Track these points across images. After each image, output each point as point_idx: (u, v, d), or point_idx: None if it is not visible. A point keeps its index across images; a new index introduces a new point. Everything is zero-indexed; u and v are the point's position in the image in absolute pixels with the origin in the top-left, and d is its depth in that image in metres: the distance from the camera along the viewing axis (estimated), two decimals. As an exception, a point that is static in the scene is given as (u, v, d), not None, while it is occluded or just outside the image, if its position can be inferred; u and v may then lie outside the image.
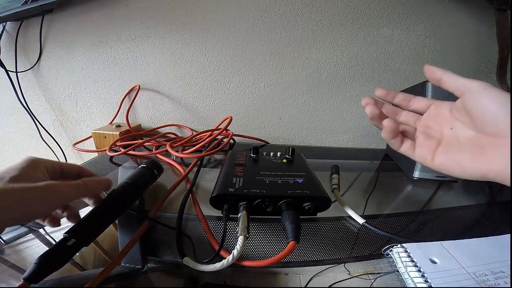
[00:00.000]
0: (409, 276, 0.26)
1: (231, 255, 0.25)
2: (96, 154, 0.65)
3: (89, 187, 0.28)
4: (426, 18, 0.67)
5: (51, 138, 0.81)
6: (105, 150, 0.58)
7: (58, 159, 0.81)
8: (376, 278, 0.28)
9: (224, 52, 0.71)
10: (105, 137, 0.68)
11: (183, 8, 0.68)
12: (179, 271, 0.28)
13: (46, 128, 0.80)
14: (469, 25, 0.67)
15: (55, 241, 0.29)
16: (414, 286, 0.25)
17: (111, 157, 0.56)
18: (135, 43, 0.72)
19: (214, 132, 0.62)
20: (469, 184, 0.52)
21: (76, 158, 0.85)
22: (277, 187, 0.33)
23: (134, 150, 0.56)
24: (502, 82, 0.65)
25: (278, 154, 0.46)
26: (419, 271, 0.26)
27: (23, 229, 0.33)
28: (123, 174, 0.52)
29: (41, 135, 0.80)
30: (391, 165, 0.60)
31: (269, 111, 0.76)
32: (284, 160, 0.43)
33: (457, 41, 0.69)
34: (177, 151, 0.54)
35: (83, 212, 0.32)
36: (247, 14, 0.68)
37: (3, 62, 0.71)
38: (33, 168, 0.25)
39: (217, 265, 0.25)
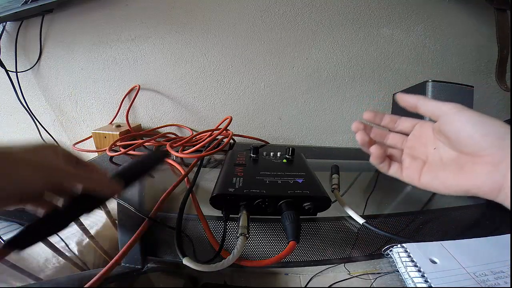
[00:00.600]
0: (409, 276, 0.26)
1: (231, 255, 0.25)
2: (96, 154, 0.65)
3: (94, 181, 0.24)
4: (426, 18, 0.67)
5: (51, 138, 0.81)
6: (105, 150, 0.58)
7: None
8: (376, 278, 0.28)
9: (224, 52, 0.71)
10: (105, 137, 0.68)
11: (183, 8, 0.68)
12: (179, 271, 0.28)
13: (46, 128, 0.80)
14: (469, 25, 0.67)
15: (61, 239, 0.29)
16: (414, 286, 0.25)
17: (111, 157, 0.56)
18: (135, 43, 0.72)
19: (214, 132, 0.62)
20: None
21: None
22: (277, 187, 0.33)
23: (134, 150, 0.56)
24: (502, 82, 0.65)
25: (278, 154, 0.46)
26: (419, 271, 0.26)
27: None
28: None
29: (41, 135, 0.80)
30: (391, 165, 0.60)
31: (269, 111, 0.76)
32: (284, 160, 0.43)
33: (457, 41, 0.69)
34: (177, 151, 0.54)
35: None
36: (247, 14, 0.68)
37: (3, 62, 0.71)
38: (50, 151, 0.22)
39: (217, 265, 0.25)
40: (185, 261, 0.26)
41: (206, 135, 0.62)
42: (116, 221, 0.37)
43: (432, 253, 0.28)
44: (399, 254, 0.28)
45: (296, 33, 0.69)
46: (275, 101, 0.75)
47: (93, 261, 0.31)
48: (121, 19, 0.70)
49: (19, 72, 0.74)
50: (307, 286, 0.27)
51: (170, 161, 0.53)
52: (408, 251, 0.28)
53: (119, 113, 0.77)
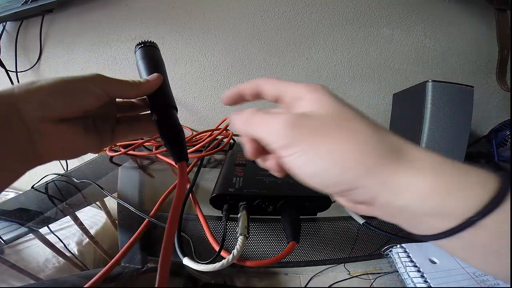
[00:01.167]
0: (409, 276, 0.26)
1: (231, 255, 0.25)
2: (96, 154, 0.65)
3: (140, 84, 0.23)
4: (426, 18, 0.67)
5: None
6: (105, 150, 0.58)
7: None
8: (376, 278, 0.28)
9: (224, 52, 0.71)
10: (105, 137, 0.68)
11: (183, 8, 0.68)
12: (179, 271, 0.28)
13: (46, 128, 0.80)
14: (469, 25, 0.67)
15: (60, 239, 0.29)
16: (413, 286, 0.25)
17: (111, 157, 0.56)
18: (135, 43, 0.71)
19: (214, 132, 0.62)
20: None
21: (76, 158, 0.85)
22: (277, 187, 0.33)
23: (134, 150, 0.56)
24: (502, 82, 0.65)
25: (278, 154, 0.46)
26: (418, 271, 0.26)
27: (23, 229, 0.33)
28: (123, 174, 0.52)
29: (41, 135, 0.80)
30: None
31: (269, 111, 0.76)
32: (284, 160, 0.43)
33: (457, 41, 0.69)
34: (177, 151, 0.54)
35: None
36: (247, 14, 0.68)
37: (3, 62, 0.71)
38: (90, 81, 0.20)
39: (217, 265, 0.25)
40: (185, 261, 0.26)
41: (206, 135, 0.62)
42: (116, 221, 0.38)
43: (432, 253, 0.28)
44: (398, 254, 0.28)
45: (296, 33, 0.69)
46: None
47: (93, 261, 0.31)
48: (121, 19, 0.70)
49: (19, 72, 0.74)
50: (307, 286, 0.27)
51: (170, 161, 0.53)
52: (408, 251, 0.28)
53: (119, 113, 0.77)
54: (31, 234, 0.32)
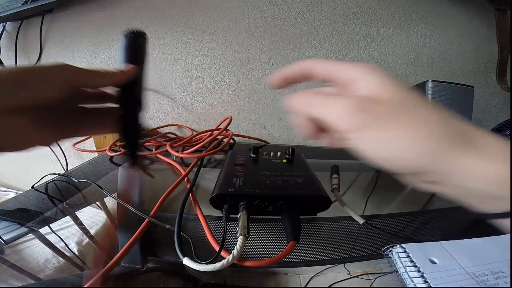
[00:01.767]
0: (409, 276, 0.26)
1: (231, 255, 0.25)
2: (96, 154, 0.65)
3: (113, 74, 0.23)
4: (426, 18, 0.67)
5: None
6: (105, 150, 0.58)
7: (58, 159, 0.81)
8: (376, 278, 0.28)
9: (224, 52, 0.71)
10: (105, 137, 0.68)
11: (183, 8, 0.68)
12: (179, 271, 0.28)
13: (46, 128, 0.80)
14: (469, 25, 0.67)
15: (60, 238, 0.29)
16: (413, 286, 0.25)
17: (111, 157, 0.56)
18: (135, 43, 0.72)
19: (214, 132, 0.62)
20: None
21: (76, 158, 0.85)
22: (277, 187, 0.33)
23: (134, 150, 0.56)
24: (502, 82, 0.65)
25: (278, 154, 0.46)
26: (418, 271, 0.26)
27: (23, 229, 0.33)
28: (122, 174, 0.52)
29: (41, 135, 0.80)
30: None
31: (269, 111, 0.76)
32: (284, 160, 0.43)
33: (457, 41, 0.69)
34: (177, 151, 0.54)
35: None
36: (247, 14, 0.68)
37: (3, 62, 0.71)
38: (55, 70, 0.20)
39: (217, 265, 0.25)
40: (185, 261, 0.26)
41: (206, 135, 0.62)
42: (116, 221, 0.38)
43: (432, 253, 0.28)
44: (398, 255, 0.28)
45: (296, 33, 0.69)
46: (275, 101, 0.75)
47: (93, 261, 0.31)
48: (121, 19, 0.70)
49: (19, 72, 0.74)
50: (307, 286, 0.27)
51: (170, 161, 0.53)
52: (408, 251, 0.28)
53: (119, 113, 0.77)
54: (31, 234, 0.32)
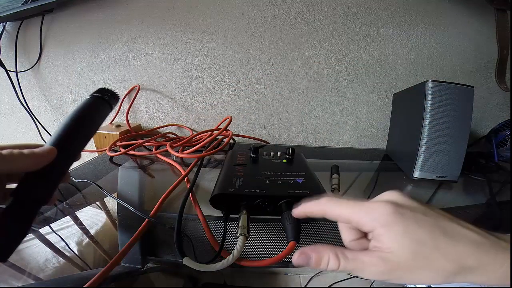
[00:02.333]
0: (409, 276, 0.26)
1: (231, 255, 0.25)
2: (96, 154, 0.65)
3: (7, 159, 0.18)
4: (426, 18, 0.67)
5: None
6: (105, 150, 0.58)
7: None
8: (376, 278, 0.28)
9: (224, 52, 0.71)
10: (105, 137, 0.68)
11: (183, 8, 0.68)
12: (179, 271, 0.28)
13: (46, 128, 0.79)
14: (469, 25, 0.67)
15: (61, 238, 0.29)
16: (413, 286, 0.25)
17: (111, 157, 0.56)
18: (135, 43, 0.72)
19: (214, 132, 0.62)
20: (469, 184, 0.52)
21: (76, 158, 0.85)
22: (277, 187, 0.33)
23: (134, 150, 0.56)
24: (501, 82, 0.65)
25: (278, 154, 0.46)
26: (419, 271, 0.26)
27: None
28: (122, 174, 0.52)
29: (41, 135, 0.80)
30: (391, 165, 0.60)
31: (269, 111, 0.76)
32: (284, 160, 0.43)
33: (457, 41, 0.69)
34: (177, 151, 0.54)
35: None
36: (247, 14, 0.68)
37: (3, 62, 0.71)
38: None
39: (217, 265, 0.25)
40: (185, 261, 0.26)
41: (206, 135, 0.62)
42: (116, 221, 0.38)
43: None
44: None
45: (296, 33, 0.69)
46: (275, 101, 0.75)
47: (93, 261, 0.31)
48: (121, 19, 0.70)
49: (19, 72, 0.74)
50: (307, 286, 0.27)
51: (170, 161, 0.53)
52: (408, 251, 0.28)
53: (119, 113, 0.77)
54: (31, 234, 0.32)
